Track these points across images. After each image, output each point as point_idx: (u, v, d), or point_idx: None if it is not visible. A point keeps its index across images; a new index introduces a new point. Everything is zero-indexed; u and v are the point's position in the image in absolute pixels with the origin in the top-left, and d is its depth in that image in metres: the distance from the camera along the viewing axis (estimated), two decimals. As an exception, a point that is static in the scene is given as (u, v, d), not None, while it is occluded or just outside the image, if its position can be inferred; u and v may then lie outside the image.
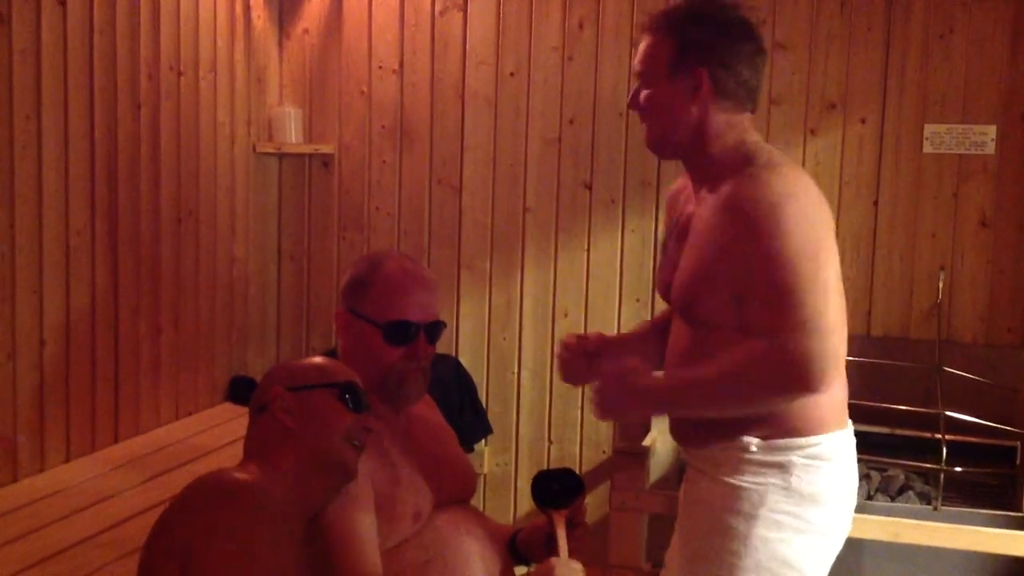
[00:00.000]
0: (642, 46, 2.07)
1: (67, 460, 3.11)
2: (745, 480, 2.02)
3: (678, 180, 2.26)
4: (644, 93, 2.07)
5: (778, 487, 2.01)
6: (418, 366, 2.08)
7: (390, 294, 2.06)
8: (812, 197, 1.94)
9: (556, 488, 2.10)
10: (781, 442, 2.01)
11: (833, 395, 2.00)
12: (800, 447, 2.01)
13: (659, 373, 2.10)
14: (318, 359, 1.96)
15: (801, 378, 1.86)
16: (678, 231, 2.14)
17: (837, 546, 2.11)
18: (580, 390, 4.09)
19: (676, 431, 2.20)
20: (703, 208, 2.04)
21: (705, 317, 2.02)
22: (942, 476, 3.09)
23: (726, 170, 2.00)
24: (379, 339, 2.04)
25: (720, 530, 2.03)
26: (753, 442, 2.01)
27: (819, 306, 1.87)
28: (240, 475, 1.72)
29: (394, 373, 2.04)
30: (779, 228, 1.87)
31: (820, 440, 2.02)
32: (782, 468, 2.01)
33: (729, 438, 2.03)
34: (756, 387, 1.92)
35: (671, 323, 2.19)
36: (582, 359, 2.30)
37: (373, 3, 4.19)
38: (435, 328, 2.12)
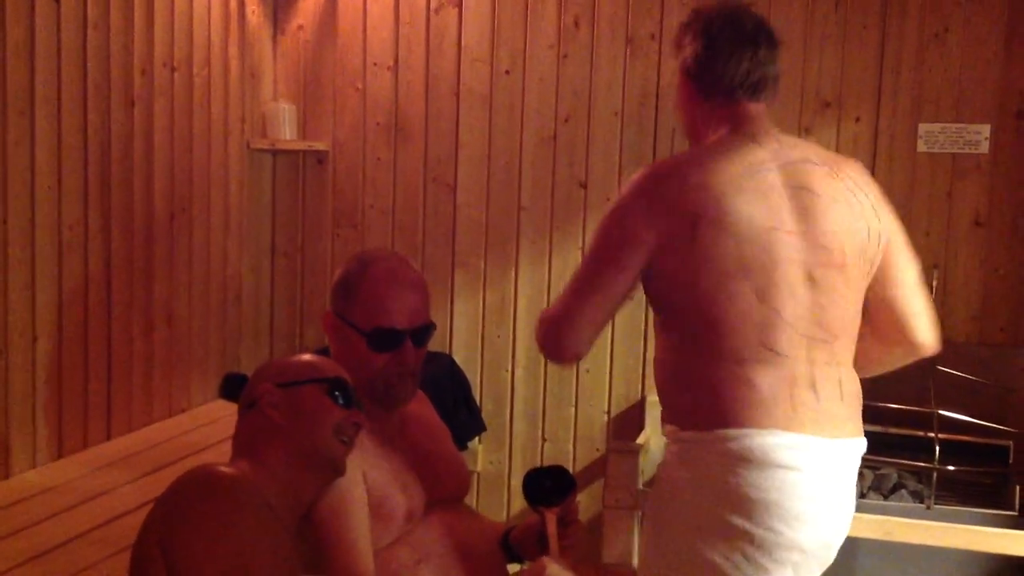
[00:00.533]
0: None
1: (59, 457, 3.11)
2: (664, 471, 2.06)
3: None
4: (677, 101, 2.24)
5: (687, 479, 1.98)
6: (405, 371, 2.04)
7: (375, 300, 2.02)
8: (644, 189, 2.02)
9: (548, 486, 2.10)
10: (688, 434, 1.99)
11: (739, 389, 1.94)
12: (708, 441, 1.95)
13: None
14: (308, 356, 1.96)
15: (544, 339, 2.13)
16: None
17: (783, 561, 1.97)
18: (573, 388, 4.09)
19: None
20: None
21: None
22: (935, 475, 3.09)
23: None
24: (364, 346, 2.02)
25: (649, 520, 2.11)
26: (667, 428, 2.06)
27: (575, 293, 2.05)
28: (227, 469, 1.71)
29: (380, 379, 2.02)
30: (602, 225, 2.07)
31: (735, 435, 1.92)
32: (681, 459, 2.00)
33: (664, 422, 2.10)
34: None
35: None
36: None
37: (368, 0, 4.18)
38: (423, 333, 2.07)
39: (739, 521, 1.94)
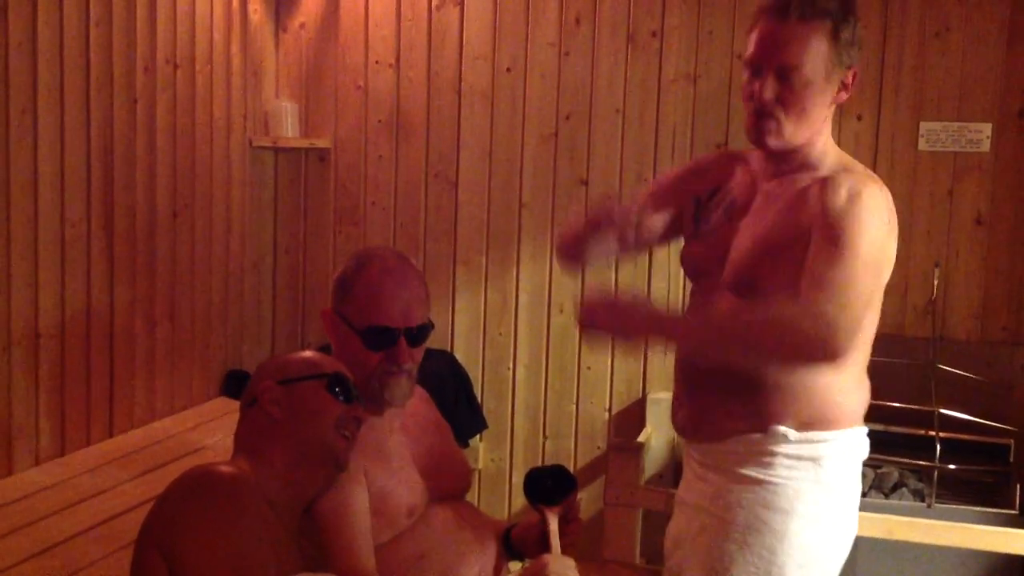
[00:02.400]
0: (788, 35, 1.96)
1: (62, 454, 3.11)
2: (778, 475, 2.01)
3: (717, 153, 2.32)
4: (796, 89, 1.97)
5: (811, 481, 2.01)
6: (399, 370, 2.03)
7: (370, 298, 2.02)
8: (892, 217, 2.00)
9: (549, 485, 2.10)
10: (817, 434, 2.01)
11: (862, 391, 2.06)
12: (833, 439, 2.02)
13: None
14: (308, 352, 1.96)
15: (825, 341, 1.84)
16: (729, 208, 2.14)
17: (852, 538, 2.12)
18: (575, 385, 4.10)
19: (694, 421, 2.15)
20: (782, 192, 2.04)
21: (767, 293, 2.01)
22: (936, 473, 3.10)
23: (816, 165, 2.04)
24: (359, 343, 2.02)
25: (756, 527, 2.01)
26: (790, 433, 2.00)
27: (856, 300, 1.89)
28: (226, 468, 1.72)
29: (375, 377, 2.01)
30: (860, 233, 1.91)
31: (846, 434, 2.03)
32: (815, 461, 2.01)
33: (759, 428, 2.02)
34: (781, 339, 1.87)
35: (700, 296, 2.17)
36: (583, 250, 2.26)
37: (370, -3, 4.19)
38: (418, 332, 2.06)
39: (848, 512, 2.08)
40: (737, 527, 2.03)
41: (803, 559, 2.01)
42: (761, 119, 2.01)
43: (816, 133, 2.03)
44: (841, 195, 1.94)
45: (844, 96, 2.02)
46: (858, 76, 2.02)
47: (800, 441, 2.00)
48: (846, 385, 2.02)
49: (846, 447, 2.05)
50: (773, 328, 1.87)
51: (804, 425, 2.00)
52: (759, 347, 1.90)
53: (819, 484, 2.01)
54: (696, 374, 2.13)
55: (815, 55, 1.94)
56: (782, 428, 2.00)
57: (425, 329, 2.08)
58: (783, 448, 2.01)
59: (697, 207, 2.19)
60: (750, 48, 2.02)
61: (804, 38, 1.94)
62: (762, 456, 2.02)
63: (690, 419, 2.16)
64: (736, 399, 2.05)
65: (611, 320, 1.94)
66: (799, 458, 2.01)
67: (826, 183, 1.97)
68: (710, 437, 2.11)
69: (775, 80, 1.97)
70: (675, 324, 2.04)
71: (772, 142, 2.02)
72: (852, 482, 2.08)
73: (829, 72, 1.96)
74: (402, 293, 2.04)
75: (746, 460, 2.04)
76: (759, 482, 2.02)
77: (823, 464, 2.01)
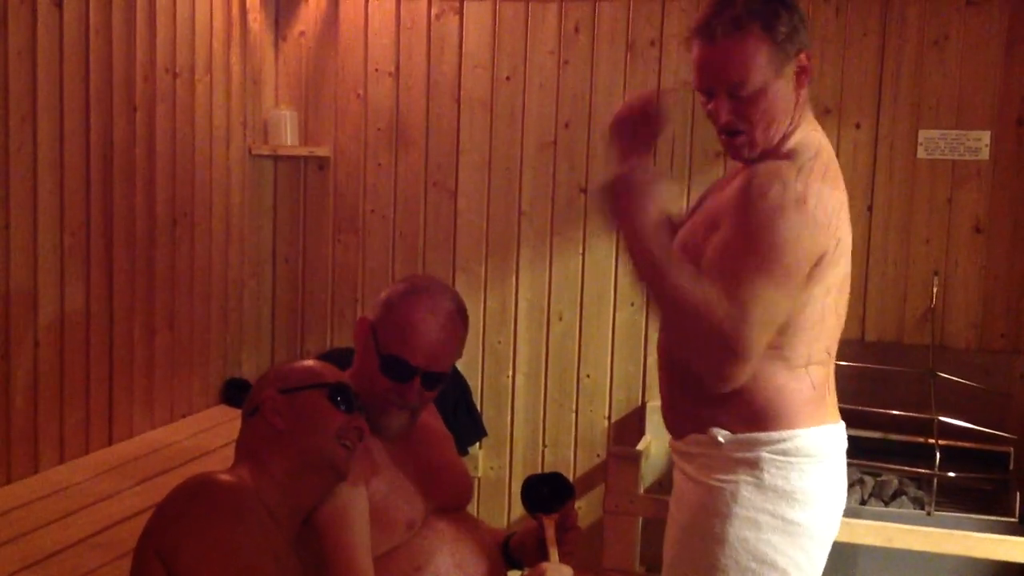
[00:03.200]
0: (721, 55, 1.94)
1: (61, 462, 3.11)
2: (716, 478, 1.98)
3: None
4: (751, 100, 1.95)
5: (750, 484, 1.96)
6: (404, 405, 2.02)
7: (404, 329, 2.00)
8: (824, 203, 1.92)
9: (546, 493, 2.09)
10: (748, 436, 1.97)
11: (803, 390, 1.98)
12: (769, 442, 1.96)
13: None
14: (310, 362, 1.96)
15: (728, 354, 1.83)
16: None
17: (825, 547, 2.06)
18: (574, 393, 4.09)
19: (664, 415, 2.17)
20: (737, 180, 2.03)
21: None
22: (935, 481, 3.09)
23: (797, 147, 2.00)
24: (377, 365, 2.02)
25: (698, 531, 2.00)
26: (720, 433, 1.97)
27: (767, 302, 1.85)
28: (226, 477, 1.72)
29: (378, 402, 2.01)
30: (770, 224, 1.86)
31: (791, 435, 1.97)
32: (751, 464, 1.96)
33: (699, 429, 2.01)
34: (693, 330, 1.86)
35: None
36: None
37: (369, 6, 4.19)
38: (436, 378, 2.04)
39: (806, 518, 1.99)
40: (682, 527, 2.04)
41: (748, 563, 1.96)
42: (730, 137, 2.02)
43: (794, 123, 2.00)
44: (757, 181, 1.91)
45: (806, 79, 1.99)
46: (811, 55, 1.99)
47: (733, 443, 1.97)
48: (781, 385, 1.96)
49: (795, 447, 1.97)
50: (694, 316, 1.84)
51: (744, 426, 1.97)
52: (677, 317, 1.88)
53: (759, 487, 1.96)
54: (664, 370, 2.14)
55: (756, 63, 1.92)
56: (714, 430, 1.98)
57: (442, 378, 2.06)
58: (719, 451, 1.99)
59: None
60: (693, 74, 2.02)
61: (739, 52, 1.93)
62: (704, 458, 2.01)
63: (663, 415, 2.18)
64: (686, 398, 2.05)
65: (621, 190, 1.92)
66: (736, 461, 1.97)
67: (750, 179, 1.94)
68: (675, 434, 2.12)
69: (728, 99, 1.97)
70: (637, 233, 1.92)
71: (748, 155, 2.02)
72: (814, 486, 2.00)
73: (779, 69, 1.94)
74: (438, 337, 2.02)
75: (693, 460, 2.04)
76: (700, 484, 2.01)
77: (762, 467, 1.96)
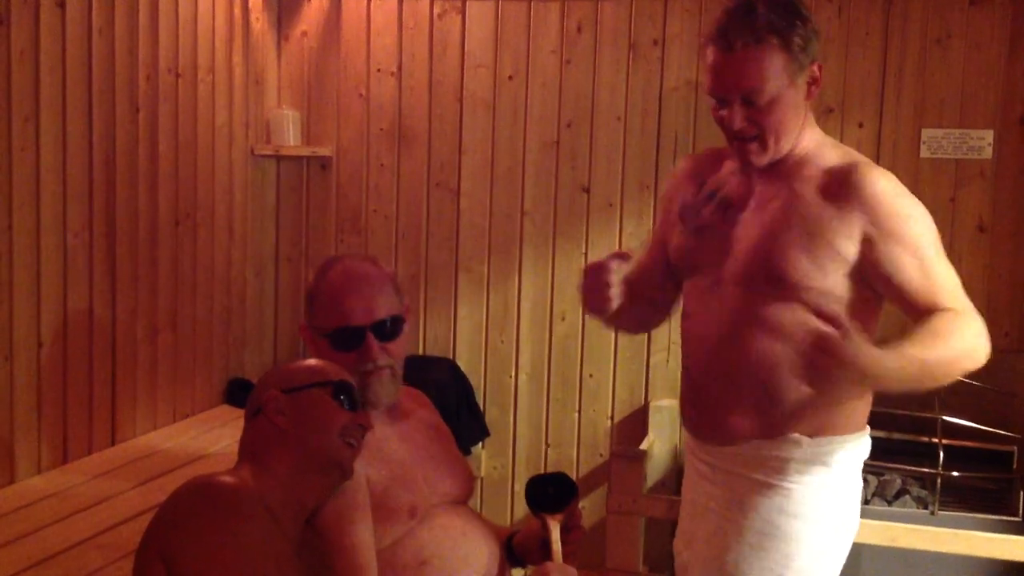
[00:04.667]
0: (739, 64, 1.97)
1: (64, 462, 3.11)
2: (791, 480, 2.04)
3: (688, 160, 2.34)
4: (765, 108, 1.99)
5: (820, 485, 2.04)
6: (376, 367, 2.03)
7: (331, 302, 2.04)
8: None
9: (550, 492, 2.09)
10: (828, 439, 2.04)
11: (869, 399, 2.13)
12: (843, 444, 2.06)
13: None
14: (312, 361, 1.96)
15: (987, 346, 2.00)
16: (724, 201, 2.13)
17: (853, 538, 2.17)
18: (577, 393, 4.09)
19: (707, 424, 2.15)
20: (787, 187, 2.05)
21: (795, 288, 2.00)
22: (939, 480, 3.09)
23: (814, 156, 2.06)
24: (330, 348, 2.03)
25: (771, 533, 2.04)
26: (804, 440, 2.03)
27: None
28: (227, 478, 1.72)
29: (354, 379, 2.01)
30: (924, 221, 2.04)
31: (855, 438, 2.08)
32: (826, 466, 2.04)
33: (770, 435, 2.04)
34: (977, 359, 1.98)
35: (698, 292, 2.17)
36: (606, 287, 2.14)
37: (372, 6, 4.19)
38: (385, 326, 2.05)
39: (853, 514, 2.14)
40: (753, 531, 2.05)
41: (817, 560, 2.06)
42: (742, 143, 2.05)
43: (801, 132, 2.05)
44: (883, 185, 1.99)
45: (816, 90, 2.05)
46: (823, 66, 2.06)
47: (812, 447, 2.03)
48: (861, 390, 2.04)
49: (853, 450, 2.08)
50: (975, 351, 1.99)
51: (817, 431, 2.04)
52: (964, 370, 1.98)
53: (827, 488, 2.05)
54: (704, 377, 2.14)
55: (772, 72, 1.97)
56: (795, 435, 2.03)
57: (396, 322, 2.07)
58: (795, 454, 2.03)
59: (683, 204, 2.20)
60: (707, 79, 2.04)
61: (756, 61, 1.96)
62: (774, 461, 2.04)
63: (699, 421, 2.18)
64: (747, 406, 2.07)
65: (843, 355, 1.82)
66: (811, 463, 2.04)
67: (854, 171, 2.00)
68: (720, 440, 2.13)
69: (742, 106, 2.01)
70: (889, 365, 1.89)
71: (759, 160, 2.06)
72: (856, 482, 2.13)
73: (792, 78, 1.99)
74: (362, 290, 2.05)
75: (758, 465, 2.06)
76: (772, 487, 2.05)
77: (832, 468, 2.05)
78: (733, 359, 2.08)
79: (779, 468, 2.04)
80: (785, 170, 2.06)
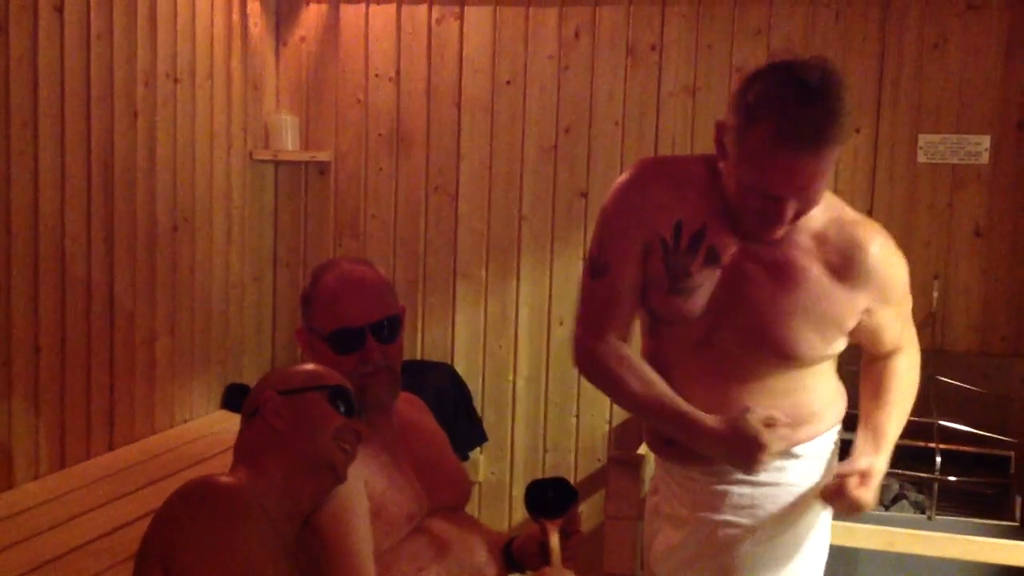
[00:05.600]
0: (820, 164, 1.80)
1: (62, 467, 3.11)
2: (749, 481, 2.07)
3: (652, 178, 2.06)
4: (816, 199, 1.89)
5: (781, 484, 2.10)
6: (375, 368, 2.04)
7: (329, 304, 2.05)
8: None
9: (550, 497, 2.09)
10: (833, 431, 2.17)
11: (841, 400, 2.21)
12: (800, 454, 2.10)
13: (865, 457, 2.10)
14: (311, 365, 1.97)
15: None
16: (710, 253, 2.00)
17: (828, 538, 2.23)
18: (575, 398, 4.09)
19: (671, 455, 2.14)
20: (788, 254, 1.98)
21: (800, 360, 2.03)
22: (936, 485, 3.09)
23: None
24: (329, 352, 2.03)
25: (728, 537, 2.09)
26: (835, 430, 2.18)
27: None
28: (225, 479, 1.72)
29: (354, 381, 2.01)
30: (904, 272, 2.09)
31: (817, 442, 2.13)
32: (820, 459, 2.14)
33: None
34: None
35: (671, 338, 2.09)
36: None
37: (370, 11, 4.20)
38: (384, 327, 2.05)
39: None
40: (711, 539, 2.09)
41: (823, 551, 2.17)
42: (776, 227, 1.92)
43: None
44: (882, 256, 2.02)
45: None
46: None
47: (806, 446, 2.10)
48: (826, 395, 2.14)
49: (816, 451, 2.13)
50: (912, 390, 2.20)
51: (832, 424, 2.16)
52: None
53: (822, 479, 2.12)
54: (745, 394, 2.09)
55: (832, 164, 1.86)
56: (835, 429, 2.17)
57: (394, 322, 2.08)
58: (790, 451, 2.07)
59: (665, 251, 2.01)
60: (768, 176, 1.82)
61: (829, 161, 1.83)
62: (732, 471, 2.07)
63: (669, 452, 2.17)
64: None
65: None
66: (807, 457, 2.10)
67: (857, 251, 1.99)
68: (687, 464, 2.15)
69: (795, 202, 1.87)
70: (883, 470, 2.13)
71: (779, 235, 1.96)
72: (821, 483, 2.15)
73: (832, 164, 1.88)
74: (359, 292, 2.06)
75: (714, 472, 2.10)
76: (726, 494, 2.08)
77: (789, 471, 2.09)
78: (726, 394, 2.08)
79: (777, 467, 2.06)
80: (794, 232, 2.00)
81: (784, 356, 2.01)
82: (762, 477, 2.04)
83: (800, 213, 1.90)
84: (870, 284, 2.00)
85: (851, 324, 2.02)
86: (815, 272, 1.98)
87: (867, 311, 2.02)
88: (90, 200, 3.19)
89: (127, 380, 3.42)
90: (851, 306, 2.00)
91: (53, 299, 3.06)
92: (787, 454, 2.04)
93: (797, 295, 1.97)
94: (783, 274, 1.98)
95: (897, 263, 2.06)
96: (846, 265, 1.98)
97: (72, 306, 3.13)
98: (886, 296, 2.04)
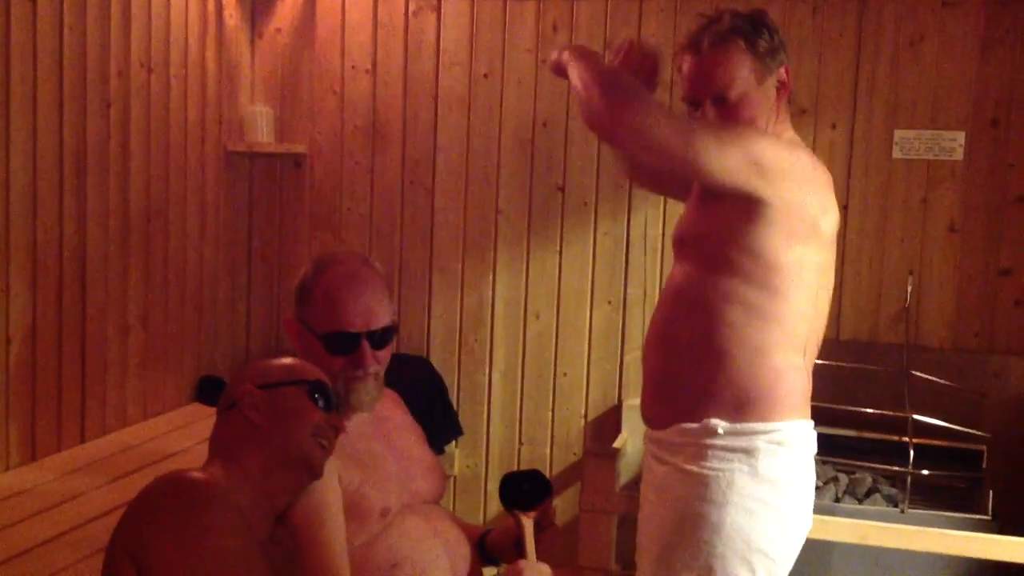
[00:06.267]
0: (710, 64, 2.14)
1: (32, 459, 3.08)
2: (711, 467, 2.05)
3: None
4: (735, 105, 2.13)
5: (744, 472, 2.04)
6: (365, 373, 2.04)
7: (329, 304, 2.03)
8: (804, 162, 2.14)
9: (524, 490, 2.10)
10: (746, 426, 2.04)
11: (796, 385, 2.11)
12: (764, 432, 2.05)
13: None
14: (289, 359, 1.95)
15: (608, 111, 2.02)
16: None
17: (803, 532, 2.15)
18: (551, 391, 4.09)
19: (645, 404, 2.23)
20: None
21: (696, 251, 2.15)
22: (909, 479, 3.11)
23: None
24: (321, 349, 2.02)
25: (691, 518, 2.05)
26: (721, 425, 2.04)
27: (733, 149, 2.03)
28: (198, 475, 1.71)
29: (339, 382, 2.00)
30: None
31: (782, 426, 2.06)
32: (747, 453, 2.04)
33: (693, 418, 2.07)
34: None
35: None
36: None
37: (346, 3, 4.18)
38: (380, 335, 2.06)
39: (788, 503, 2.10)
40: (676, 518, 2.07)
41: (744, 550, 2.04)
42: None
43: (773, 133, 2.15)
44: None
45: (785, 92, 2.19)
46: (791, 71, 2.20)
47: (731, 434, 2.04)
48: (780, 376, 2.07)
49: (785, 439, 2.07)
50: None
51: (737, 416, 2.05)
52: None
53: (755, 476, 2.04)
54: (653, 360, 2.20)
55: (739, 71, 2.13)
56: (713, 421, 2.05)
57: (389, 331, 2.07)
58: (715, 440, 2.05)
59: None
60: (681, 86, 2.20)
61: (724, 61, 2.13)
62: (696, 448, 2.07)
63: (644, 406, 2.23)
64: (675, 389, 2.13)
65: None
66: (732, 450, 2.05)
67: None
68: (657, 425, 2.18)
69: (713, 107, 2.13)
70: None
71: None
72: (797, 476, 2.11)
73: (760, 79, 2.14)
74: (362, 297, 2.04)
75: (682, 450, 2.09)
76: (693, 474, 2.07)
77: (758, 456, 2.04)
78: (661, 338, 2.17)
79: (698, 454, 2.06)
80: None
81: (687, 251, 2.17)
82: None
83: (728, 121, 2.11)
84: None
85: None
86: None
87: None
88: (62, 190, 3.16)
89: (99, 372, 3.39)
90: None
91: (24, 290, 3.03)
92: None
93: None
94: None
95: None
96: None
97: (43, 297, 3.11)
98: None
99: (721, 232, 2.07)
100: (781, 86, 2.17)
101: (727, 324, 2.06)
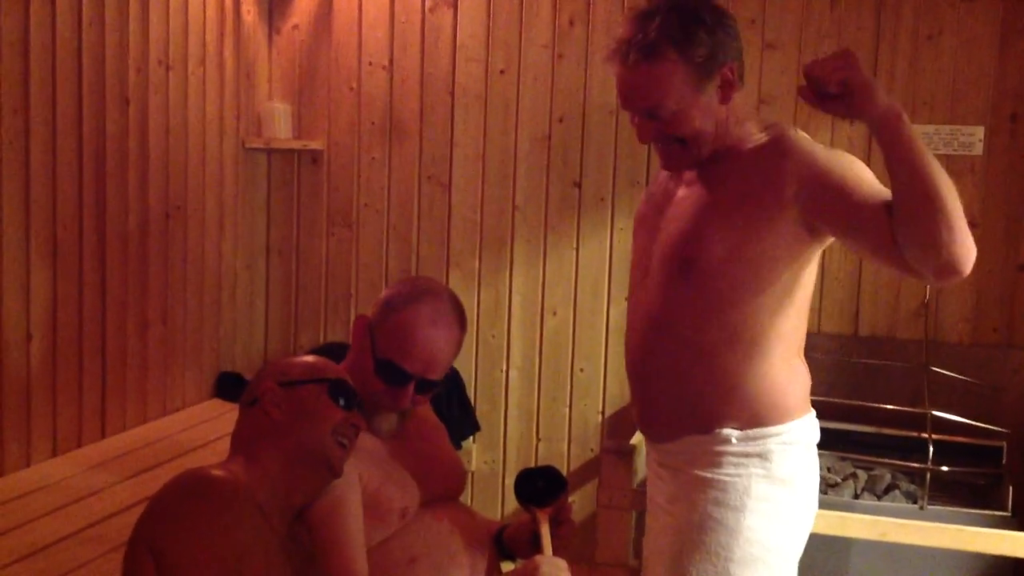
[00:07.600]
0: (635, 80, 1.97)
1: (54, 455, 3.10)
2: (727, 473, 2.03)
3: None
4: (671, 120, 1.98)
5: (760, 476, 2.03)
6: (396, 408, 2.05)
7: (403, 335, 2.00)
8: None
9: (540, 486, 2.10)
10: (758, 431, 2.03)
11: (801, 383, 2.09)
12: (776, 434, 2.03)
13: None
14: (311, 357, 1.96)
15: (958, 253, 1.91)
16: (652, 203, 2.18)
17: (810, 525, 2.14)
18: (568, 388, 4.09)
19: (645, 421, 2.19)
20: (706, 175, 2.05)
21: (705, 273, 2.00)
22: (928, 475, 3.10)
23: (735, 144, 2.03)
24: (370, 364, 2.02)
25: (708, 524, 2.03)
26: (733, 434, 2.03)
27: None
28: (218, 472, 1.71)
29: (370, 401, 2.01)
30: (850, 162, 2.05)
31: (792, 426, 2.05)
32: (762, 457, 2.03)
33: (704, 431, 2.05)
34: (954, 210, 1.91)
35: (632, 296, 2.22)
36: None
37: (363, -1, 4.19)
38: (430, 385, 2.05)
39: (798, 501, 2.08)
40: (692, 527, 2.05)
41: (759, 553, 2.03)
42: (663, 149, 2.06)
43: (726, 132, 2.03)
44: (803, 147, 1.99)
45: (733, 90, 1.99)
46: (739, 66, 2.00)
47: (744, 440, 2.03)
48: (783, 378, 2.04)
49: (794, 438, 2.06)
50: (951, 199, 1.90)
51: (747, 423, 2.03)
52: (943, 194, 1.92)
53: (769, 478, 2.03)
54: (643, 374, 2.16)
55: (671, 86, 1.94)
56: (725, 431, 2.03)
57: (437, 385, 2.07)
58: (728, 448, 2.03)
59: None
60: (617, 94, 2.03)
61: (653, 77, 1.94)
62: (709, 456, 2.05)
63: (642, 419, 2.19)
64: (679, 401, 2.08)
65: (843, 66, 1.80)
66: (746, 455, 2.03)
67: (769, 147, 1.98)
68: (662, 437, 2.15)
69: (648, 120, 2.00)
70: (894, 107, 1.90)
71: (685, 167, 2.08)
72: (805, 472, 2.09)
73: (698, 87, 1.95)
74: (435, 345, 2.02)
75: (695, 460, 2.07)
76: (708, 481, 2.04)
77: (772, 459, 2.03)
78: (656, 354, 2.10)
79: (714, 462, 2.04)
80: (707, 165, 2.05)
81: (680, 266, 2.01)
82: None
83: (668, 133, 1.99)
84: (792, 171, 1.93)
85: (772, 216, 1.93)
86: (713, 182, 2.02)
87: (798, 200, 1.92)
88: (82, 187, 3.18)
89: (119, 368, 3.41)
90: (746, 198, 1.95)
91: (45, 287, 3.05)
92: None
93: (686, 209, 2.04)
94: (682, 198, 2.09)
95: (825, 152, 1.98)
96: (763, 159, 1.98)
97: (64, 294, 3.13)
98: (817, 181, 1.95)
99: (757, 255, 1.95)
100: (726, 85, 1.97)
101: (736, 339, 2.01)
